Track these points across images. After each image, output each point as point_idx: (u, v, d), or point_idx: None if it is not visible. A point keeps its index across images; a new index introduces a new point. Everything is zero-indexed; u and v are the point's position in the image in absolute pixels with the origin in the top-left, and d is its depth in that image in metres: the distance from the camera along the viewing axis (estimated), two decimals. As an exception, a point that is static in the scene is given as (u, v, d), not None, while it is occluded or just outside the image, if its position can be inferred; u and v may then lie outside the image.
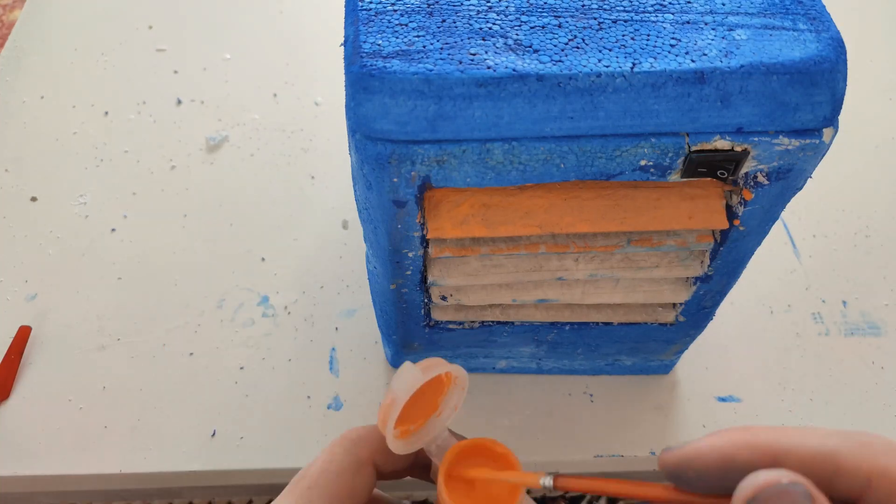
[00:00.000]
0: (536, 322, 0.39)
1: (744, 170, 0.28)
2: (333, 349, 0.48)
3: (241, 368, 0.46)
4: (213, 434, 0.44)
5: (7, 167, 0.56)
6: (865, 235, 0.54)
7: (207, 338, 0.48)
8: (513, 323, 0.39)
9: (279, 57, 0.64)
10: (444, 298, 0.36)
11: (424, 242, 0.31)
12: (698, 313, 0.38)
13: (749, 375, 0.47)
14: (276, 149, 0.58)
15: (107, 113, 0.60)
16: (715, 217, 0.30)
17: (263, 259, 0.52)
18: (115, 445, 0.43)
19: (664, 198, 0.30)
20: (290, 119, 0.59)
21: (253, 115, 0.60)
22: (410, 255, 0.32)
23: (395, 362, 0.45)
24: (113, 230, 0.53)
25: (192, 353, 0.47)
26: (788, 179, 0.28)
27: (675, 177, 0.28)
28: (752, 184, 0.29)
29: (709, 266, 0.34)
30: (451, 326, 0.39)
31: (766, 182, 0.28)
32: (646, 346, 0.42)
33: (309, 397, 0.45)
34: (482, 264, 0.34)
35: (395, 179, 0.27)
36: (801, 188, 0.29)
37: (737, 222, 0.31)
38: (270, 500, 0.46)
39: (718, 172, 0.28)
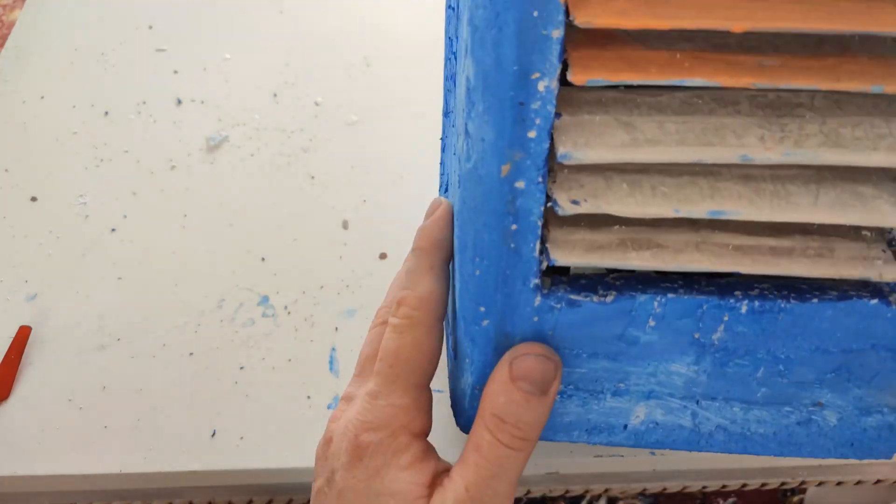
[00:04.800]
0: (698, 296, 0.27)
1: None
2: (333, 349, 0.48)
3: (241, 368, 0.46)
4: (213, 434, 0.44)
5: (7, 167, 0.56)
6: (865, 235, 0.54)
7: (207, 338, 0.48)
8: (665, 293, 0.27)
9: (279, 57, 0.64)
10: (576, 203, 0.25)
11: (563, 54, 0.23)
12: None
13: (749, 375, 0.47)
14: (276, 149, 0.58)
15: (107, 113, 0.60)
16: None
17: (263, 259, 0.52)
18: (115, 445, 0.43)
19: (882, 3, 0.22)
20: (290, 119, 0.59)
21: (253, 115, 0.60)
22: (542, 86, 0.23)
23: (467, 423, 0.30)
24: (113, 230, 0.53)
25: (192, 353, 0.47)
26: None
27: None
28: None
29: None
30: (574, 297, 0.27)
31: None
32: (861, 362, 0.28)
33: (309, 397, 0.45)
34: (632, 137, 0.24)
35: None
36: None
37: None
38: (271, 501, 0.46)
39: None
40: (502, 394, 0.27)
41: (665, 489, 0.49)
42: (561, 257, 0.26)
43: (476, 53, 0.23)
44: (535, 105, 0.23)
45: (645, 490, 0.49)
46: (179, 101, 0.60)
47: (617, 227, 0.27)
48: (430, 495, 0.28)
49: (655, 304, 0.27)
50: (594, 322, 0.27)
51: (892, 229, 0.27)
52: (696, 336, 0.28)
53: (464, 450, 0.28)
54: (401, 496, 0.28)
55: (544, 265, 0.27)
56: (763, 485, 0.49)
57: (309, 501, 0.46)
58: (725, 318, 0.27)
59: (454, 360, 0.31)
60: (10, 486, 0.43)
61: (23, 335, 0.47)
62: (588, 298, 0.27)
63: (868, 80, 0.23)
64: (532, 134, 0.24)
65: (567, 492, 0.49)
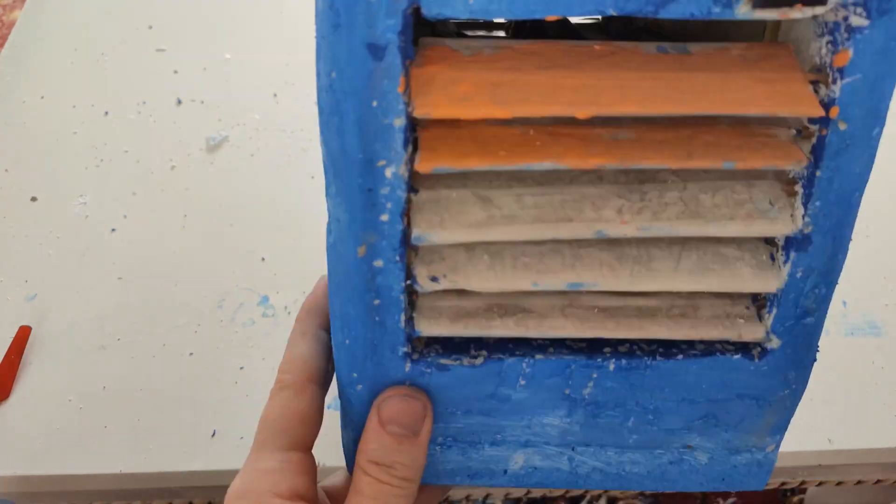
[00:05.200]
0: (566, 356, 0.28)
1: None
2: (333, 349, 0.48)
3: (241, 368, 0.46)
4: (213, 434, 0.44)
5: (7, 167, 0.56)
6: (865, 235, 0.54)
7: (207, 338, 0.48)
8: (534, 355, 0.28)
9: (279, 57, 0.64)
10: (435, 280, 0.26)
11: (408, 141, 0.23)
12: (797, 327, 0.27)
13: (749, 375, 0.47)
14: (276, 149, 0.58)
15: (107, 113, 0.60)
16: (803, 101, 0.22)
17: (263, 259, 0.52)
18: (115, 445, 0.43)
19: (730, 80, 0.23)
20: (290, 119, 0.59)
21: (253, 115, 0.60)
22: (389, 173, 0.23)
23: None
24: (113, 230, 0.53)
25: (192, 353, 0.47)
26: (895, 15, 0.21)
27: (744, 8, 0.21)
28: (845, 34, 0.21)
29: (804, 215, 0.25)
30: (443, 362, 0.27)
31: (866, 21, 0.21)
32: (727, 410, 0.29)
33: (309, 397, 0.45)
34: (489, 214, 0.24)
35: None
36: None
37: (835, 112, 0.23)
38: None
39: None
40: (374, 440, 0.27)
41: (665, 489, 0.49)
42: (426, 329, 0.27)
43: (324, 136, 0.23)
44: (384, 191, 0.23)
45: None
46: (179, 101, 0.60)
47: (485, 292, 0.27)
48: None
49: (524, 365, 0.28)
50: (465, 384, 0.28)
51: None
52: (567, 392, 0.28)
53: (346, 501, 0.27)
54: None
55: (412, 344, 0.27)
56: (763, 485, 0.49)
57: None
58: (594, 376, 0.28)
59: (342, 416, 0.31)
60: (11, 486, 0.43)
61: (23, 335, 0.47)
62: (458, 362, 0.27)
63: (721, 155, 0.23)
64: (385, 217, 0.24)
65: (567, 492, 0.49)
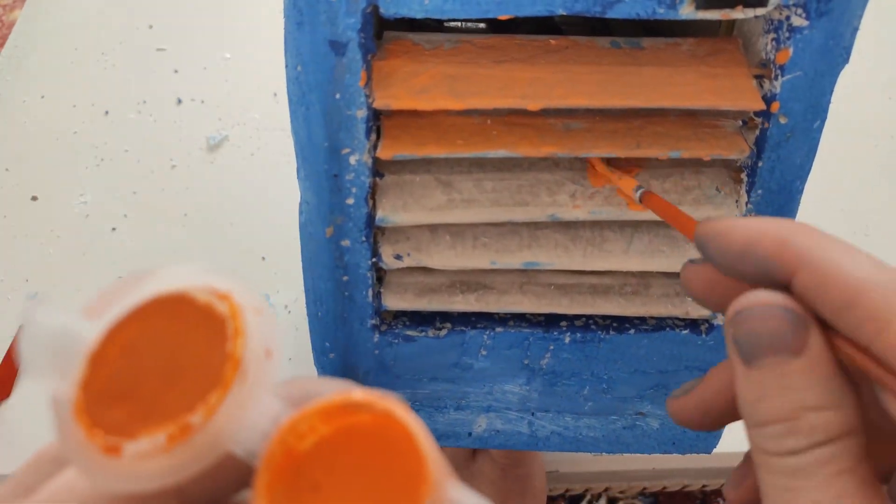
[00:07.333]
0: (525, 330, 0.29)
1: None
2: (333, 349, 0.48)
3: (242, 368, 0.46)
4: (214, 433, 0.44)
5: (7, 167, 0.56)
6: (865, 235, 0.54)
7: (207, 337, 0.48)
8: (494, 327, 0.29)
9: (279, 57, 0.64)
10: (399, 258, 0.27)
11: (371, 131, 0.24)
12: None
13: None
14: (276, 148, 0.58)
15: (107, 113, 0.60)
16: (746, 96, 0.24)
17: (263, 258, 0.52)
18: (116, 445, 0.43)
19: (678, 74, 0.24)
20: (289, 119, 0.59)
21: (253, 115, 0.60)
22: (353, 160, 0.25)
23: None
24: (113, 229, 0.53)
25: (192, 353, 0.47)
26: (833, 17, 0.22)
27: (688, 8, 0.22)
28: (787, 33, 0.22)
29: (747, 202, 0.26)
30: (409, 333, 0.29)
31: (806, 22, 0.22)
32: (677, 380, 0.31)
33: (309, 397, 0.45)
34: (449, 198, 0.26)
35: None
36: (849, 47, 0.23)
37: (776, 106, 0.24)
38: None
39: None
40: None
41: (665, 488, 0.49)
42: (392, 303, 0.28)
43: (293, 125, 0.25)
44: (349, 176, 0.25)
45: (645, 489, 0.49)
46: (179, 101, 0.60)
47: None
48: None
49: (485, 336, 0.29)
50: (430, 353, 0.30)
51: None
52: (526, 362, 0.30)
53: None
54: None
55: (380, 317, 0.29)
56: (763, 484, 0.49)
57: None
58: (551, 348, 0.30)
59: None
60: (11, 486, 0.43)
61: (23, 335, 0.47)
62: (423, 333, 0.29)
63: (668, 145, 0.24)
64: (350, 201, 0.26)
65: (567, 491, 0.49)
